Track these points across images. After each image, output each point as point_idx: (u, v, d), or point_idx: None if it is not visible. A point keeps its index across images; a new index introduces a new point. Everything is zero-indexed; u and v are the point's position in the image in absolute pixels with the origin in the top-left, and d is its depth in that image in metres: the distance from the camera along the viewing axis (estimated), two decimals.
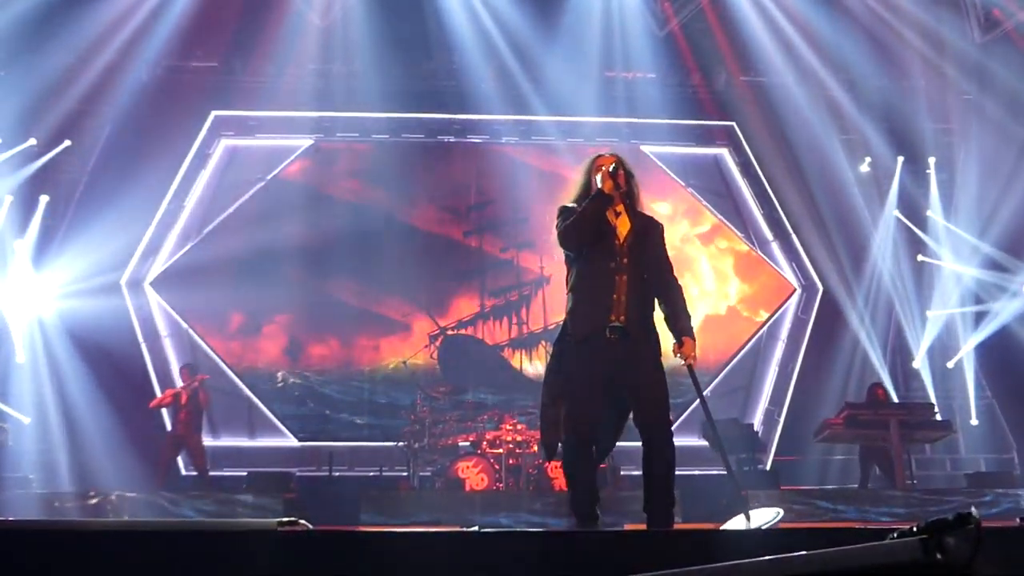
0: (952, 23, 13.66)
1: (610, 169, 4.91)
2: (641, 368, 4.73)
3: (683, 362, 4.85)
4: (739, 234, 15.38)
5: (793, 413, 14.23)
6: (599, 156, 5.10)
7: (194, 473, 12.35)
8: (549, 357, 4.99)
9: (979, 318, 14.34)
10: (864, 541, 1.77)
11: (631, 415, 4.81)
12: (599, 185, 4.91)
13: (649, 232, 4.96)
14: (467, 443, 11.54)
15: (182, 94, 14.41)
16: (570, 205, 5.01)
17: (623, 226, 4.91)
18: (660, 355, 4.82)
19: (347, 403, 14.21)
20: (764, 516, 4.40)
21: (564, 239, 4.92)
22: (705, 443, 11.66)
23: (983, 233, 14.32)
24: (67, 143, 13.43)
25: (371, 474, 13.00)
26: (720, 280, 15.33)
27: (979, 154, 14.45)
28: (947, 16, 13.56)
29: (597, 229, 4.85)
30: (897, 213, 15.02)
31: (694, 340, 4.87)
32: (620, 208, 4.93)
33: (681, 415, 12.82)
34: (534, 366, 14.45)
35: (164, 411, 12.81)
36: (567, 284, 4.98)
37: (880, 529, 2.18)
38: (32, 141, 13.24)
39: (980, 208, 14.41)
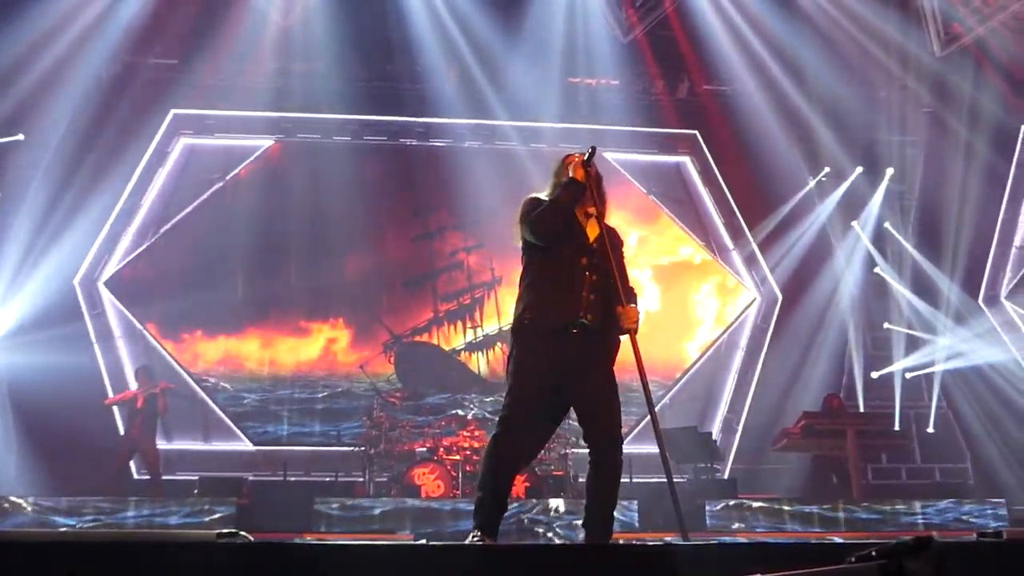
0: (913, 36, 13.78)
1: (583, 160, 4.79)
2: (599, 378, 4.60)
3: (625, 330, 4.66)
4: (700, 242, 15.41)
5: (751, 422, 14.27)
6: (570, 155, 4.95)
7: (147, 476, 12.16)
8: (510, 358, 4.72)
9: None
10: (820, 560, 1.71)
11: (582, 428, 4.65)
12: (571, 175, 4.77)
13: (615, 241, 4.85)
14: (424, 449, 11.45)
15: (140, 91, 14.16)
16: (540, 196, 4.86)
17: (592, 229, 4.79)
18: (613, 366, 4.69)
19: (303, 408, 14.08)
20: None
21: (535, 228, 4.69)
22: None
23: (939, 251, 14.52)
24: (20, 136, 13.16)
25: (326, 480, 12.86)
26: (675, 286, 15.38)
27: (938, 167, 14.61)
28: (908, 29, 13.67)
29: (569, 219, 4.72)
30: (855, 224, 15.13)
31: (636, 309, 4.70)
32: (591, 210, 4.80)
33: (639, 424, 12.82)
34: (491, 368, 14.42)
35: (117, 414, 12.65)
36: (525, 277, 4.80)
37: (838, 545, 2.13)
38: None
39: (936, 223, 14.58)
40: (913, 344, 14.66)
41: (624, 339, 4.75)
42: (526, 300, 4.71)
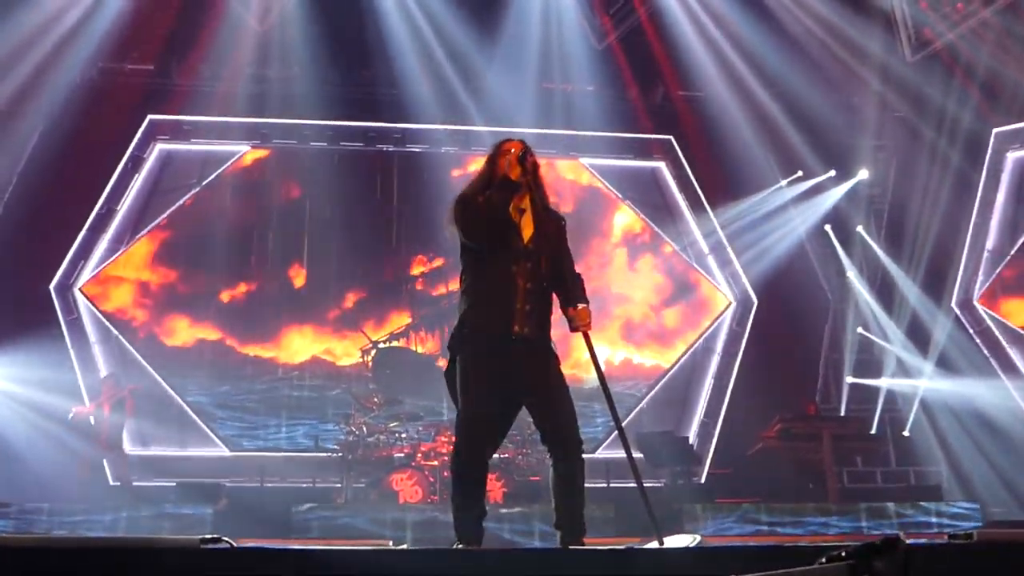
0: (884, 42, 13.91)
1: (518, 155, 4.65)
2: (547, 383, 4.55)
3: (578, 330, 4.60)
4: (675, 247, 15.47)
5: (728, 426, 14.33)
6: (506, 141, 4.83)
7: (119, 484, 12.08)
8: (453, 368, 4.63)
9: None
10: (793, 562, 1.75)
11: (539, 432, 4.65)
12: (506, 172, 4.63)
13: (553, 230, 4.69)
14: (402, 455, 11.44)
15: (116, 96, 14.16)
16: (468, 193, 4.73)
17: (527, 225, 4.65)
18: (560, 367, 4.64)
19: (280, 413, 14.05)
20: (679, 543, 4.28)
21: (470, 232, 4.61)
22: (639, 455, 11.71)
23: (910, 254, 14.66)
24: None
25: (304, 485, 12.84)
26: (651, 291, 15.44)
27: (910, 171, 14.75)
28: (879, 34, 13.80)
29: (504, 222, 4.57)
30: (828, 228, 15.25)
31: (588, 309, 4.62)
32: (525, 204, 4.66)
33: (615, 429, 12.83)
34: None
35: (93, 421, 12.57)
36: (463, 282, 4.71)
37: (810, 547, 2.18)
38: None
39: (908, 227, 14.71)
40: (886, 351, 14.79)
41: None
42: (462, 309, 4.63)
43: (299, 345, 14.44)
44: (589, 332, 4.62)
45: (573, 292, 4.64)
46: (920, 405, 14.36)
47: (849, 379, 14.74)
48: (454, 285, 14.61)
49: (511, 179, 4.61)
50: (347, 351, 14.49)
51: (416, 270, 15.01)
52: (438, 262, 14.90)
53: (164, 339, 14.13)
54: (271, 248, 14.48)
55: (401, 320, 14.74)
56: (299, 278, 14.60)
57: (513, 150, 4.71)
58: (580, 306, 4.61)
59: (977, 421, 13.71)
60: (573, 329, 4.64)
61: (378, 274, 14.94)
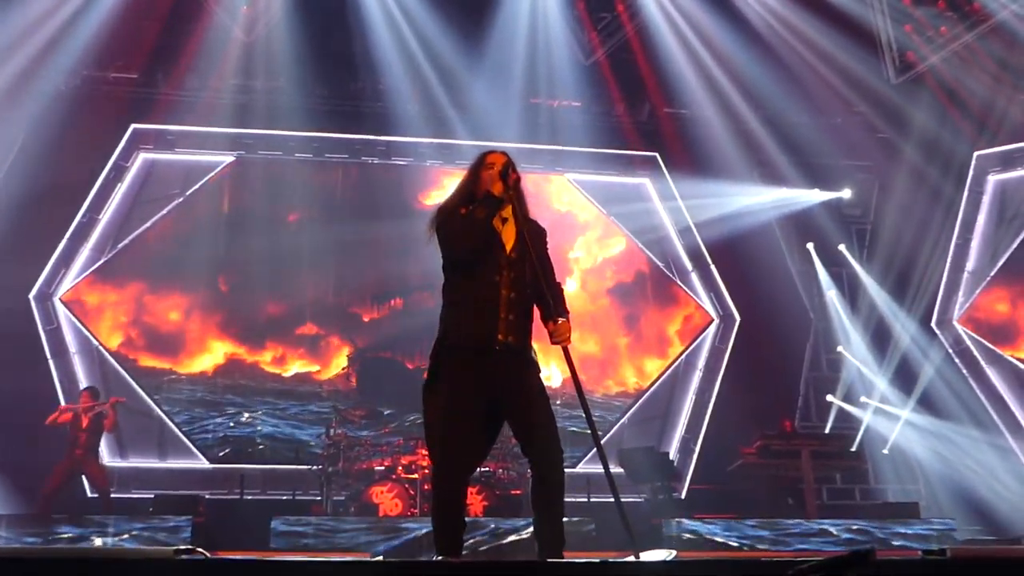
0: (869, 64, 14.03)
1: (500, 170, 4.65)
2: (529, 394, 4.53)
3: (558, 344, 4.59)
4: (659, 263, 15.50)
5: (709, 442, 14.35)
6: (489, 153, 4.82)
7: (97, 496, 11.98)
8: (427, 378, 4.64)
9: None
10: (765, 575, 1.76)
11: (520, 444, 4.61)
12: (488, 187, 4.63)
13: (534, 240, 4.67)
14: (382, 468, 11.41)
15: (100, 105, 14.09)
16: (450, 206, 4.74)
17: (509, 235, 4.66)
18: (540, 379, 4.64)
19: (261, 424, 13.98)
20: (655, 557, 4.28)
21: (453, 247, 4.62)
22: (620, 470, 11.75)
23: (891, 274, 14.78)
24: None
25: (284, 498, 12.78)
26: (636, 307, 15.48)
27: (892, 192, 14.87)
28: (864, 57, 13.92)
29: (486, 235, 4.58)
30: (810, 247, 15.33)
31: (568, 323, 4.63)
32: (507, 214, 4.67)
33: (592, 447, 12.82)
34: None
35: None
36: (446, 293, 4.70)
37: (783, 561, 2.19)
38: None
39: (890, 247, 14.83)
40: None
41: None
42: (447, 321, 4.65)
43: (279, 357, 14.38)
44: (569, 346, 4.62)
45: (554, 305, 4.65)
46: (899, 426, 14.44)
47: (829, 398, 14.78)
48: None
49: (494, 194, 4.61)
50: (331, 361, 14.43)
51: (408, 283, 14.82)
52: (429, 277, 14.69)
53: (144, 349, 14.06)
54: (255, 258, 14.36)
55: (391, 332, 14.65)
56: (285, 289, 14.51)
57: (496, 165, 4.70)
58: (560, 320, 4.62)
59: (950, 444, 13.82)
60: (553, 343, 4.63)
61: (368, 285, 14.83)
